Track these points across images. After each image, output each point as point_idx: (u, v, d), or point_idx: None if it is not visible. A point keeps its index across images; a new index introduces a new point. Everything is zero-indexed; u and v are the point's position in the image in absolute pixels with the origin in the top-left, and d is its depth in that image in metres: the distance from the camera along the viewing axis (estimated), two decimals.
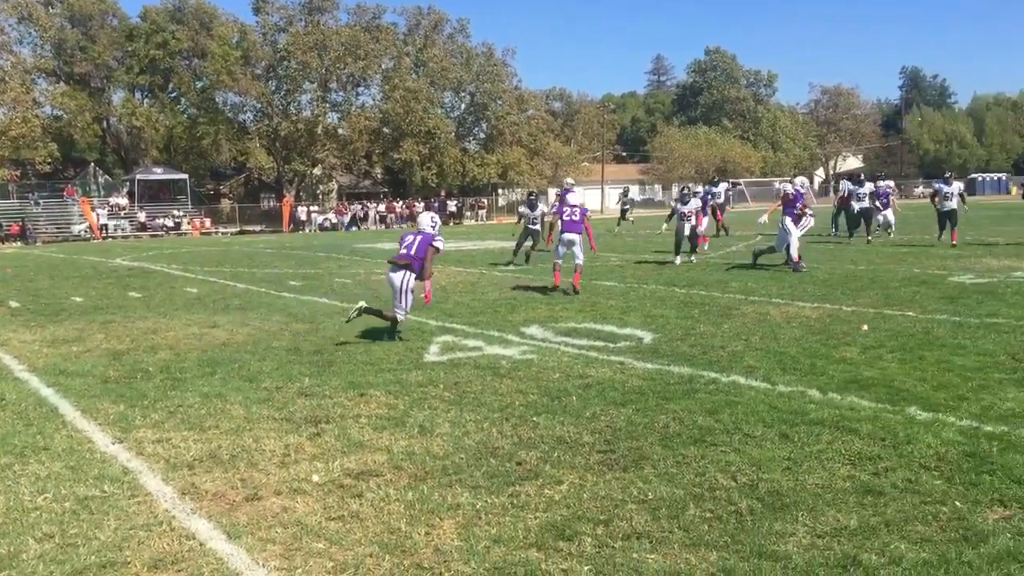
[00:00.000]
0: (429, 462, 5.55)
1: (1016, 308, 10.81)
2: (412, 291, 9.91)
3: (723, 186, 28.63)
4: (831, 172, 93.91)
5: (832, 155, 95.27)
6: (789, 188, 16.88)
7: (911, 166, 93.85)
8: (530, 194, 22.44)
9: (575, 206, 14.32)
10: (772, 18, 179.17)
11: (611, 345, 9.29)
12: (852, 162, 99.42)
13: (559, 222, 14.60)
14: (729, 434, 5.89)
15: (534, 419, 6.44)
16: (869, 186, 24.07)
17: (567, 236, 13.97)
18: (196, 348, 9.85)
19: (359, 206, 57.29)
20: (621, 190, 41.44)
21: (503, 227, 44.30)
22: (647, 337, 9.69)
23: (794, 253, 15.96)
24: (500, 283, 15.87)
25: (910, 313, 10.72)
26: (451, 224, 55.44)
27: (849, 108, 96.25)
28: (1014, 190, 78.60)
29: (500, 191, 71.80)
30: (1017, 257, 17.54)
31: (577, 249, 13.90)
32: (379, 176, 72.28)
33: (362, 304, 9.90)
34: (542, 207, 20.96)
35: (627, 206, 36.08)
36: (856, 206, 24.00)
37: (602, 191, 72.00)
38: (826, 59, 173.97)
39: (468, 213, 61.56)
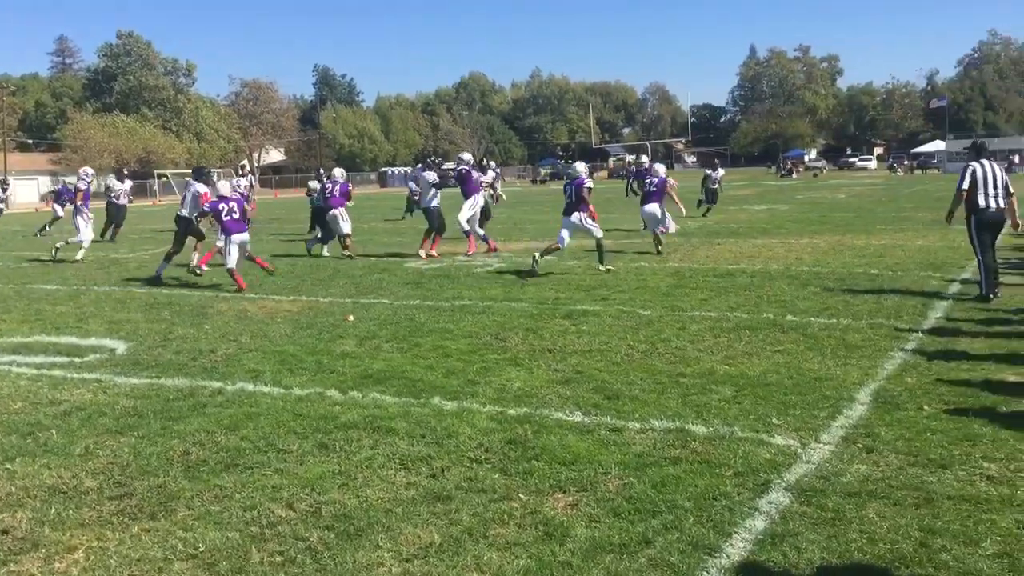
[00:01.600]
0: None
1: (474, 289, 11.55)
2: (592, 220, 13.03)
3: (112, 181, 24.17)
4: (255, 165, 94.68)
5: (256, 147, 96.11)
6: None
7: (329, 159, 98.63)
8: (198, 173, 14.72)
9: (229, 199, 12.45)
10: (188, 6, 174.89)
11: (78, 360, 7.85)
12: (275, 155, 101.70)
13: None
14: (263, 452, 5.18)
15: (6, 466, 5.04)
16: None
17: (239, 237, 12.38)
18: None
19: None
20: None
21: None
22: (120, 347, 8.40)
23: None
24: None
25: (386, 300, 10.85)
26: None
27: (269, 102, 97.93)
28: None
29: None
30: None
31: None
32: None
33: (536, 255, 12.89)
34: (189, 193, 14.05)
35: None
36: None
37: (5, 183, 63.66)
38: (245, 53, 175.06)
39: None
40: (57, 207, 24.12)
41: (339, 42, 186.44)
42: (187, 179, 14.40)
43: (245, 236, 12.42)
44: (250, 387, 6.70)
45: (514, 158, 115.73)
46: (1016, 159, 59.44)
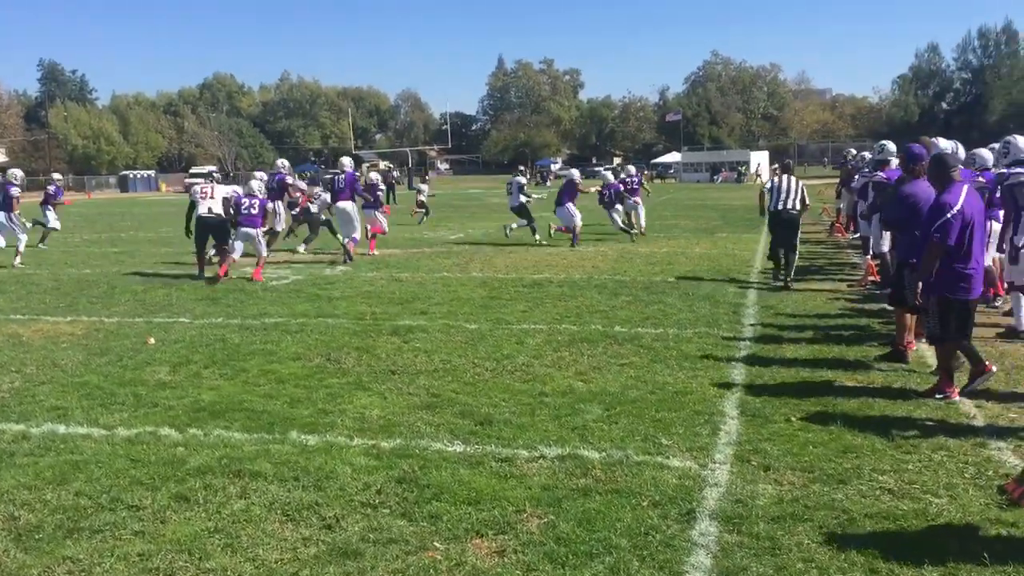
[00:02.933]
0: None
1: (278, 305, 10.74)
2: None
3: None
4: None
5: None
6: (576, 175, 19.12)
7: (60, 161, 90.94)
8: None
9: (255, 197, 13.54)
10: None
11: None
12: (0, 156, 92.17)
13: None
14: (109, 510, 4.38)
15: None
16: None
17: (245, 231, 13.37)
18: None
19: None
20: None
21: None
22: None
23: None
24: None
25: (184, 319, 9.85)
26: None
27: None
28: (164, 187, 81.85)
29: None
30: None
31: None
32: None
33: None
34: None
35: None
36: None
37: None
38: None
39: None
40: None
41: (66, 36, 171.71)
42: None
43: (251, 231, 13.31)
44: (61, 428, 5.74)
45: (266, 163, 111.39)
46: (755, 168, 64.92)
